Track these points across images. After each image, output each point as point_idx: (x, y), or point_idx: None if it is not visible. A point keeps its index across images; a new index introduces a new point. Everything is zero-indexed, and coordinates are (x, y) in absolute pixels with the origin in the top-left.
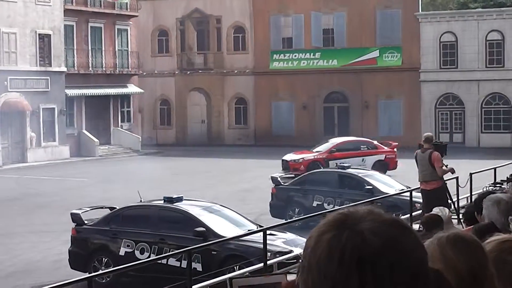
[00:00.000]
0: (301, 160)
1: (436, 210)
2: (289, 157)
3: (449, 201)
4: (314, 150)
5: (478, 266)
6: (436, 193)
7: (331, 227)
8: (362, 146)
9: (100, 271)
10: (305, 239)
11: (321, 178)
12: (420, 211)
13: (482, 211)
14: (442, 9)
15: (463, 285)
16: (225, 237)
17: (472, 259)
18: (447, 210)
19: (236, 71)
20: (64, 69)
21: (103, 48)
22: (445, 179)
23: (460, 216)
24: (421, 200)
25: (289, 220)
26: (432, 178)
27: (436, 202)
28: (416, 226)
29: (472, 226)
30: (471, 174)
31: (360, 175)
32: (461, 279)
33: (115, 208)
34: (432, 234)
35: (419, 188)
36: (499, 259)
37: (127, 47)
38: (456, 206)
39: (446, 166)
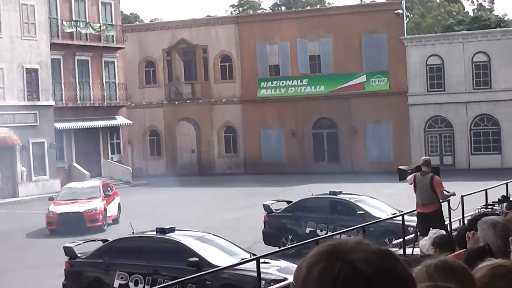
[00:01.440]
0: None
1: (433, 232)
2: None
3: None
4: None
5: None
6: (434, 216)
7: (322, 257)
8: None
9: None
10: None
11: (313, 204)
12: (413, 235)
13: (478, 232)
14: (427, 33)
15: None
16: (218, 266)
17: (461, 286)
18: (443, 231)
19: (224, 100)
20: (52, 102)
21: (91, 81)
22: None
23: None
24: (413, 224)
25: (282, 248)
26: (431, 202)
27: (434, 225)
28: (409, 250)
29: (464, 250)
30: (462, 197)
31: (352, 200)
32: None
33: (108, 240)
34: (444, 255)
35: (411, 212)
36: (491, 285)
37: (115, 79)
38: (448, 229)
39: (445, 190)
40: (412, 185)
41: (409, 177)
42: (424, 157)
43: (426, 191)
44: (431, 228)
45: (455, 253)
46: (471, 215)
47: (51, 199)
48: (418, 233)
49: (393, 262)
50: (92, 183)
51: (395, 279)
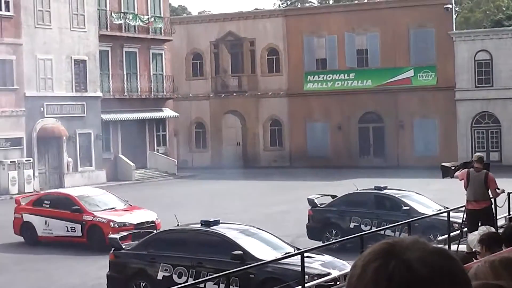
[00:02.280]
0: None
1: (483, 229)
2: None
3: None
4: None
5: None
6: (485, 212)
7: (378, 256)
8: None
9: None
10: (342, 261)
11: (357, 199)
12: (458, 231)
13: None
14: (476, 28)
15: None
16: (262, 260)
17: None
18: (492, 229)
19: (270, 93)
20: (99, 94)
21: (138, 73)
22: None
23: None
24: (459, 221)
25: (326, 243)
26: (484, 198)
27: (484, 221)
28: (454, 247)
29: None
30: (509, 194)
31: (397, 196)
32: None
33: (153, 232)
34: (492, 252)
35: (457, 208)
36: None
37: (162, 71)
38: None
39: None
40: (463, 181)
41: (459, 173)
42: (477, 154)
43: (479, 188)
44: (479, 225)
45: (503, 250)
46: None
47: (76, 210)
48: (466, 229)
49: (450, 262)
50: (97, 190)
51: (451, 279)
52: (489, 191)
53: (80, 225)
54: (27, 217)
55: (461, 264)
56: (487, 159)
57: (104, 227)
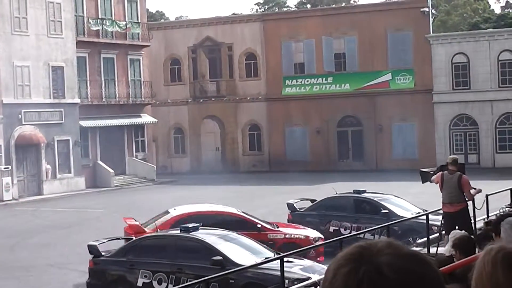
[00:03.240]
0: None
1: (454, 233)
2: None
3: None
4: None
5: None
6: (460, 215)
7: (349, 260)
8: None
9: None
10: (322, 265)
11: (337, 203)
12: (437, 234)
13: (500, 233)
14: (453, 31)
15: None
16: (242, 265)
17: None
18: (462, 232)
19: (249, 98)
20: (77, 100)
21: (116, 79)
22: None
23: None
24: (438, 223)
25: (306, 247)
26: (458, 201)
27: (460, 224)
28: (433, 250)
29: None
30: (487, 196)
31: (376, 199)
32: None
33: (132, 238)
34: (467, 256)
35: (436, 211)
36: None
37: (140, 76)
38: (473, 228)
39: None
40: (439, 184)
41: (435, 176)
42: (451, 156)
43: (453, 190)
44: (456, 228)
45: (476, 255)
46: (495, 215)
47: (257, 229)
48: (443, 232)
49: (423, 267)
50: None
51: (423, 284)
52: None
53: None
54: None
55: (435, 268)
56: (465, 161)
57: (303, 243)
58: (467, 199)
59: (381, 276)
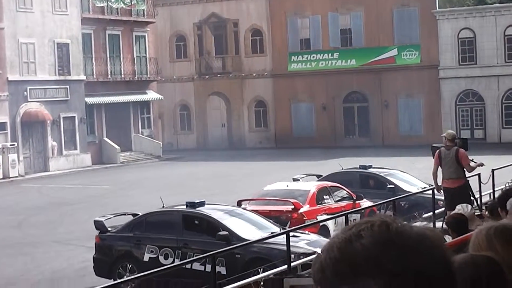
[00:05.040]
0: None
1: (458, 208)
2: None
3: (472, 198)
4: None
5: None
6: (460, 190)
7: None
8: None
9: (125, 278)
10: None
11: (343, 178)
12: (443, 208)
13: (506, 207)
14: (459, 6)
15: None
16: (248, 240)
17: None
18: (470, 206)
19: (254, 74)
20: (83, 77)
21: (122, 56)
22: (473, 174)
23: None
24: (443, 198)
25: (312, 222)
26: (458, 176)
27: (459, 200)
28: (439, 224)
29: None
30: (493, 171)
31: (382, 174)
32: (510, 271)
33: (138, 214)
34: (459, 235)
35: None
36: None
37: (145, 53)
38: (479, 203)
39: (473, 160)
40: (437, 163)
41: (435, 155)
42: (448, 131)
43: (451, 165)
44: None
45: (468, 234)
46: (501, 189)
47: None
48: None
49: (423, 236)
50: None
51: (428, 249)
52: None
53: None
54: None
55: (441, 235)
56: (471, 137)
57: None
58: (467, 172)
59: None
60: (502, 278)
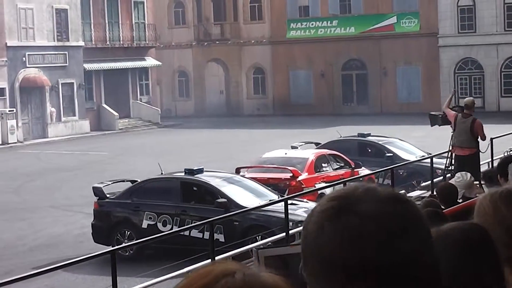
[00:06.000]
0: None
1: (458, 176)
2: None
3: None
4: None
5: None
6: (470, 158)
7: (329, 211)
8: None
9: (123, 244)
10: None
11: (341, 146)
12: (441, 177)
13: (508, 175)
14: None
15: None
16: (246, 207)
17: None
18: (469, 174)
19: (253, 41)
20: (81, 43)
21: (120, 22)
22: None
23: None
24: (442, 166)
25: (310, 189)
26: (469, 145)
27: (468, 168)
28: None
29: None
30: (492, 139)
31: (380, 142)
32: (511, 234)
33: (137, 181)
34: (448, 205)
35: (440, 154)
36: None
37: (144, 19)
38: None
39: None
40: (452, 124)
41: (452, 113)
42: (468, 98)
43: (464, 134)
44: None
45: (461, 204)
46: (500, 158)
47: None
48: (449, 175)
49: (403, 207)
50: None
51: (405, 225)
52: (478, 138)
53: None
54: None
55: (416, 207)
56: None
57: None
58: (482, 140)
59: (362, 224)
60: (489, 243)
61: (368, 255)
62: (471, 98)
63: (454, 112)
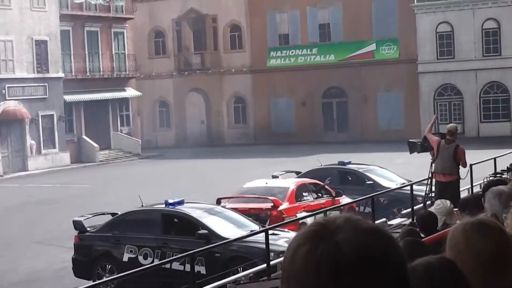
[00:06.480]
0: None
1: (438, 203)
2: None
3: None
4: None
5: (501, 251)
6: (451, 185)
7: (307, 239)
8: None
9: (104, 278)
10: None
11: (322, 174)
12: (421, 204)
13: (485, 202)
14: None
15: (486, 271)
16: (227, 238)
17: (494, 243)
18: (448, 202)
19: (233, 70)
20: (61, 74)
21: (100, 52)
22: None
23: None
24: (422, 194)
25: (292, 219)
26: (451, 172)
27: (448, 195)
28: None
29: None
30: (471, 165)
31: (360, 170)
32: (483, 265)
33: (117, 213)
34: (427, 234)
35: (420, 181)
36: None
37: (124, 50)
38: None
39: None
40: (434, 150)
41: (435, 139)
42: (451, 124)
43: (447, 160)
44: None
45: (440, 232)
46: (479, 184)
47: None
48: (429, 202)
49: (382, 241)
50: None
51: (383, 260)
52: (460, 164)
53: None
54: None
55: (396, 242)
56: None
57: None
58: (463, 168)
59: (340, 253)
60: (456, 278)
61: (344, 285)
62: (454, 124)
63: (436, 138)
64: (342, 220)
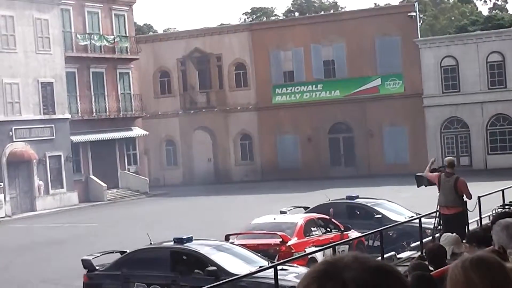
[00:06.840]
0: None
1: (444, 236)
2: None
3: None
4: None
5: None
6: (456, 217)
7: (315, 278)
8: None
9: None
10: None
11: (329, 209)
12: (430, 237)
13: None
14: (441, 34)
15: None
16: (237, 275)
17: (494, 280)
18: (454, 234)
19: (239, 108)
20: (68, 116)
21: (106, 93)
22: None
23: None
24: (431, 226)
25: (300, 254)
26: (454, 204)
27: (454, 227)
28: None
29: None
30: (479, 197)
31: (369, 204)
32: None
33: (126, 252)
34: (436, 266)
35: (429, 214)
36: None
37: (130, 90)
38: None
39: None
40: (436, 185)
41: (434, 174)
42: (448, 158)
43: (449, 193)
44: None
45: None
46: (488, 216)
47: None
48: (438, 235)
49: (389, 279)
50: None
51: None
52: (464, 196)
53: None
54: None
55: (402, 280)
56: (457, 164)
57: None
58: (467, 200)
59: None
60: None
61: None
62: (451, 157)
63: (435, 173)
64: (350, 258)
